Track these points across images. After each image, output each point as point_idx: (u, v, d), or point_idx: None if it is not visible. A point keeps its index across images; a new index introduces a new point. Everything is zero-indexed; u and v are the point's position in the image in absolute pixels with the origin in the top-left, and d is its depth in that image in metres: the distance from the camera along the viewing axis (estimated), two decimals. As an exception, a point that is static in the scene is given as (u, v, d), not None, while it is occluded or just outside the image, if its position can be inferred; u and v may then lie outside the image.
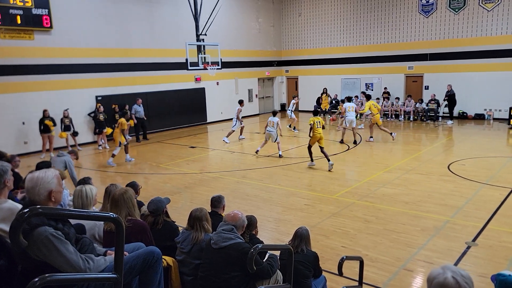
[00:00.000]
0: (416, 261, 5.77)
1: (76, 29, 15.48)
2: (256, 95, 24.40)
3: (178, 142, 16.37)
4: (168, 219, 4.41)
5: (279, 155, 12.57)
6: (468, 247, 6.08)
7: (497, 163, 11.11)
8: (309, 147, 11.13)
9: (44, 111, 13.93)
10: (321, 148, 10.91)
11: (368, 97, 15.72)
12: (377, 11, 21.27)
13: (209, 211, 4.72)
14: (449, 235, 6.56)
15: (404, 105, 20.27)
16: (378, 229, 6.90)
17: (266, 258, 3.93)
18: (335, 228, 7.01)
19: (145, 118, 16.88)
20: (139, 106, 16.63)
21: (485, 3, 18.17)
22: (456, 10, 18.95)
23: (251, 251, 3.25)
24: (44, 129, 13.89)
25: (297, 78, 25.44)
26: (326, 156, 10.83)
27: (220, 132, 18.61)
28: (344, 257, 4.11)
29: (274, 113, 13.16)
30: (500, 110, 18.25)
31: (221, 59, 17.20)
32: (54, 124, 14.08)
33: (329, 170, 10.65)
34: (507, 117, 17.35)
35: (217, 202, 4.95)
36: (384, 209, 7.79)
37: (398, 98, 20.78)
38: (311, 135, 10.81)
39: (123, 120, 12.38)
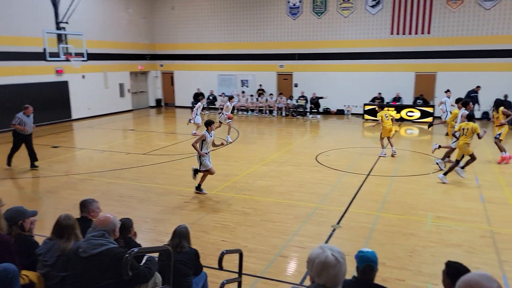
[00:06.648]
0: (290, 247, 6.14)
1: None
2: (129, 90, 23.13)
3: (38, 141, 14.53)
4: (24, 232, 3.83)
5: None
6: (334, 230, 6.70)
7: (355, 153, 12.52)
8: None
9: None
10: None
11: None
12: (250, 10, 22.02)
13: (78, 216, 4.29)
14: (318, 220, 7.14)
15: (276, 102, 21.48)
16: (256, 220, 7.14)
17: (144, 261, 3.72)
18: (215, 223, 7.03)
19: None
20: None
21: (342, 10, 20.28)
22: (319, 14, 20.74)
23: (126, 256, 3.09)
24: None
25: (173, 73, 24.92)
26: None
27: (89, 130, 17.15)
28: (224, 251, 4.15)
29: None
30: (356, 106, 20.62)
31: (86, 50, 15.80)
32: None
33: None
34: (362, 112, 19.70)
35: (83, 206, 4.51)
36: (261, 201, 8.10)
37: (271, 95, 21.93)
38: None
39: None
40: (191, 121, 15.32)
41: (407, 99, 19.50)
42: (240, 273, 4.55)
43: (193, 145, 8.20)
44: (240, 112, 22.06)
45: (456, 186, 9.03)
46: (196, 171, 8.48)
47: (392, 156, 11.79)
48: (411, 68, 19.52)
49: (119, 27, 21.93)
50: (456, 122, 10.62)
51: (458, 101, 11.43)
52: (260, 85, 22.37)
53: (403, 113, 18.55)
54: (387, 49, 19.57)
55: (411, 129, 17.18)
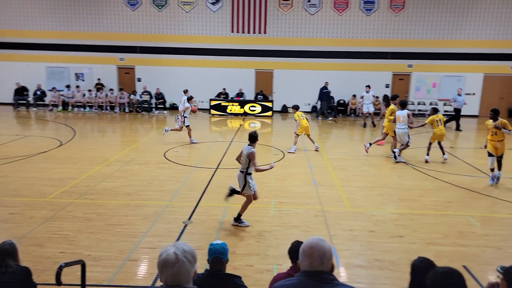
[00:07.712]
0: (140, 249, 5.84)
1: None
2: None
3: None
4: None
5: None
6: (185, 226, 6.65)
7: (203, 148, 12.68)
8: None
9: None
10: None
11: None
12: (82, -4, 20.13)
13: None
14: (168, 218, 6.98)
15: (117, 97, 20.23)
16: (100, 225, 6.57)
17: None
18: (50, 234, 6.21)
19: None
20: None
21: (184, 4, 20.24)
22: (160, 7, 20.26)
23: None
24: None
25: (-10, 64, 21.04)
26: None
27: None
28: (63, 264, 3.73)
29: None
30: (202, 101, 20.90)
31: None
32: None
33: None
34: (208, 107, 20.10)
35: None
36: (105, 204, 7.50)
37: (112, 90, 20.53)
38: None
39: None
40: (178, 123, 13.27)
41: (249, 95, 20.71)
42: (83, 285, 4.13)
43: (258, 170, 6.50)
44: (76, 109, 20.07)
45: (293, 173, 9.98)
46: (233, 192, 6.83)
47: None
48: (251, 65, 20.77)
49: None
50: (392, 117, 11.35)
51: (394, 97, 12.35)
52: (99, 79, 20.72)
53: (246, 107, 19.63)
54: (228, 46, 20.38)
55: (254, 123, 18.30)
